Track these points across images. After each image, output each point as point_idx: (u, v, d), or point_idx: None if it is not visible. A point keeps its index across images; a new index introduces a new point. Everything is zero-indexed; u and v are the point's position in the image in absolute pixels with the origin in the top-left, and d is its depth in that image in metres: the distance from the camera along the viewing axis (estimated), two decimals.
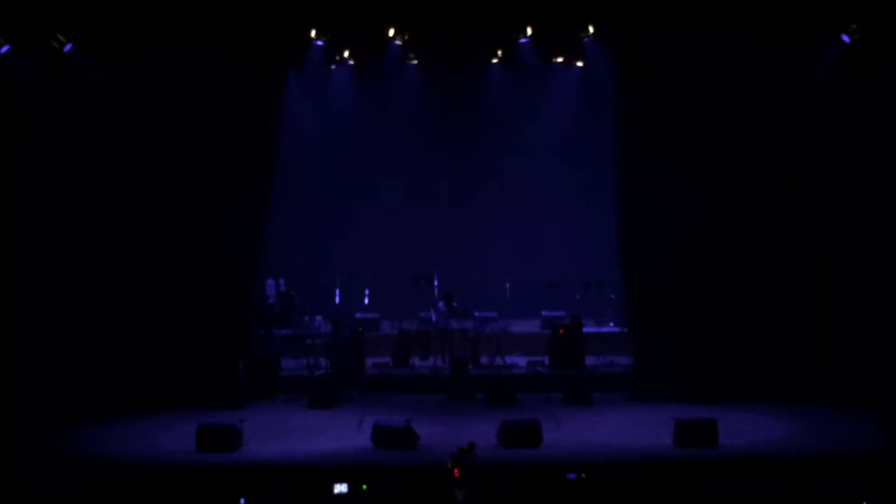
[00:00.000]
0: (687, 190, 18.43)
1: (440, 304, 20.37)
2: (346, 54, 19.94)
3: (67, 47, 17.87)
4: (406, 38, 18.68)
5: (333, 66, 20.35)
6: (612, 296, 20.38)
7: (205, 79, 17.99)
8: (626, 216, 18.93)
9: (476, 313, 20.40)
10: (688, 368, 18.20)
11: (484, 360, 19.99)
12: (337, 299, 21.74)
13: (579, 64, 20.46)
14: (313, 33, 18.36)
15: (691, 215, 18.47)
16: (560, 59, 20.45)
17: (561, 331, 19.58)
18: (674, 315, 18.50)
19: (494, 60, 20.88)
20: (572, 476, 14.12)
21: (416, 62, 20.89)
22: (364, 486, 13.93)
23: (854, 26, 17.85)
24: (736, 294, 18.42)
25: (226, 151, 18.20)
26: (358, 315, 21.15)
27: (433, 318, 20.16)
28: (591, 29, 18.42)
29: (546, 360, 19.69)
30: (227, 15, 17.62)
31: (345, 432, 16.45)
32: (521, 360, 20.10)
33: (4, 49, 17.70)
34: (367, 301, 22.07)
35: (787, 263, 18.40)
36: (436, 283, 21.22)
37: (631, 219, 18.82)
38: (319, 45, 18.63)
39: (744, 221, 18.43)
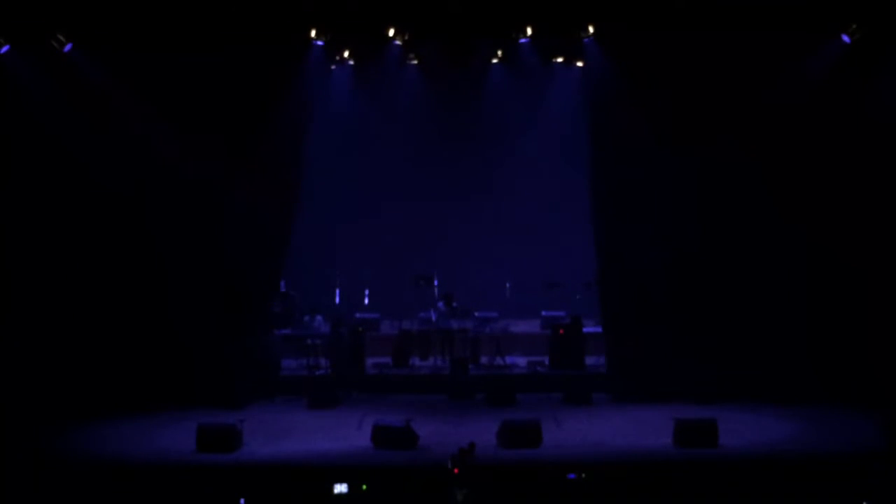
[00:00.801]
0: (684, 189, 18.42)
1: (440, 304, 20.37)
2: (346, 54, 19.94)
3: (67, 47, 17.86)
4: (406, 38, 18.66)
5: (333, 66, 20.34)
6: None
7: (206, 79, 17.99)
8: (602, 216, 18.94)
9: (476, 313, 20.40)
10: (679, 368, 18.20)
11: (484, 360, 19.99)
12: (337, 299, 21.76)
13: (579, 64, 20.46)
14: (313, 33, 18.36)
15: (688, 214, 18.44)
16: (560, 59, 20.44)
17: (561, 331, 19.58)
18: (664, 315, 18.50)
19: (494, 60, 20.88)
20: (572, 476, 14.13)
21: (416, 62, 20.88)
22: (364, 486, 13.94)
23: (854, 26, 17.83)
24: (734, 293, 18.42)
25: (227, 151, 18.20)
26: (358, 315, 21.15)
27: (433, 318, 20.16)
28: (591, 29, 18.41)
29: (546, 360, 19.70)
30: (228, 15, 17.62)
31: (345, 432, 16.46)
32: (521, 360, 20.10)
33: (4, 49, 17.70)
34: (367, 301, 22.07)
35: (786, 262, 18.40)
36: (436, 283, 21.23)
37: (617, 218, 18.76)
38: (319, 45, 18.61)
39: (742, 220, 18.43)
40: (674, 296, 18.50)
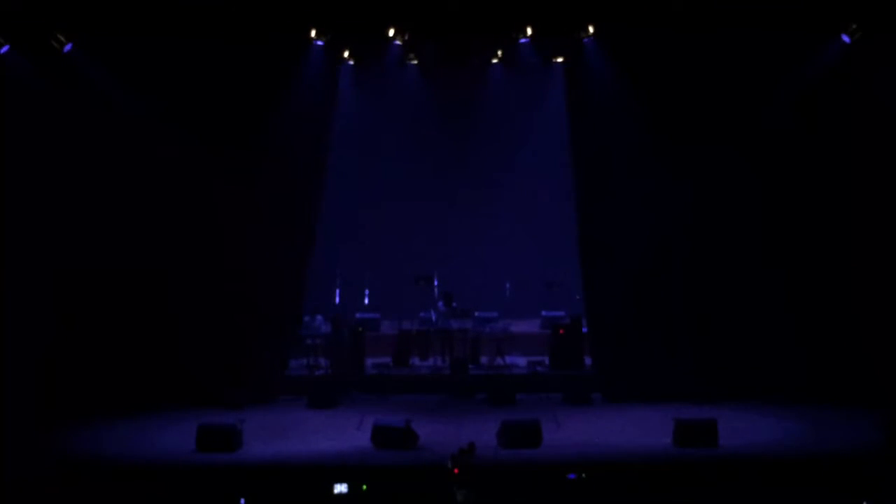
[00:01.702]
0: (679, 189, 18.41)
1: (440, 304, 20.37)
2: (346, 54, 19.95)
3: (67, 47, 17.85)
4: (406, 38, 18.67)
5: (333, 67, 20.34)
6: None
7: (206, 79, 18.03)
8: (588, 214, 19.03)
9: (476, 313, 20.38)
10: (675, 369, 18.22)
11: (484, 360, 20.00)
12: (337, 299, 21.73)
13: (559, 60, 20.40)
14: (313, 33, 18.36)
15: (684, 214, 18.44)
16: (560, 59, 20.44)
17: (561, 331, 19.59)
18: (655, 316, 18.50)
19: (494, 60, 20.87)
20: (572, 476, 14.13)
21: (416, 62, 20.88)
22: (364, 486, 13.94)
23: (854, 26, 17.83)
24: (732, 294, 18.42)
25: (229, 151, 18.21)
26: (358, 315, 21.13)
27: (433, 318, 20.16)
28: (591, 29, 18.41)
29: (546, 360, 19.70)
30: (228, 16, 17.63)
31: (345, 432, 16.47)
32: (521, 360, 20.10)
33: (4, 49, 17.68)
34: (367, 301, 22.05)
35: (785, 262, 18.40)
36: (436, 283, 21.22)
37: (606, 217, 18.80)
38: (319, 45, 18.62)
39: (739, 219, 18.44)
40: (667, 296, 18.49)
